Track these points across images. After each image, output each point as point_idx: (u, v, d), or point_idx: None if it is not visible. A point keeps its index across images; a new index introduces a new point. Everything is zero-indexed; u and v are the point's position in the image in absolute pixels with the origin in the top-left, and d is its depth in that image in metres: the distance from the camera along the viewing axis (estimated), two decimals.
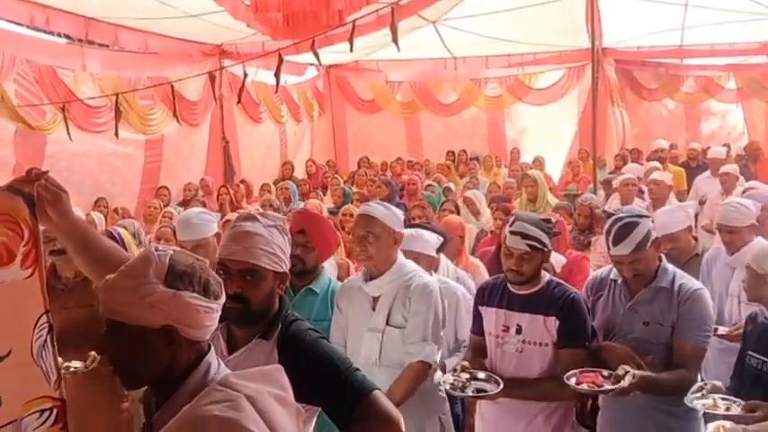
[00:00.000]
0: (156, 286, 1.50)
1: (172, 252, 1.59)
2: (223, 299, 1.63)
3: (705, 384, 2.66)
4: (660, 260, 2.89)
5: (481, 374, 2.86)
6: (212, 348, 1.65)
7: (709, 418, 2.63)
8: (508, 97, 13.30)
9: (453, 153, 12.69)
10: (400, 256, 3.00)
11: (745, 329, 2.84)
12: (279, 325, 2.02)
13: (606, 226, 2.92)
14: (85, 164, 7.86)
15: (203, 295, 1.56)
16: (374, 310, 2.95)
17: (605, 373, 2.67)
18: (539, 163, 10.91)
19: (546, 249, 2.87)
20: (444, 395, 3.08)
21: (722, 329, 3.42)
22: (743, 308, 3.63)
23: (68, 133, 5.69)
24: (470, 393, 2.77)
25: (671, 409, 2.78)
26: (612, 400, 2.83)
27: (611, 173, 10.44)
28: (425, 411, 2.92)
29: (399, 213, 3.05)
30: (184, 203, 8.28)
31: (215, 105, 9.55)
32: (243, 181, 9.49)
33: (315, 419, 2.06)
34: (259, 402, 1.15)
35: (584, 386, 2.63)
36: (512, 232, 2.86)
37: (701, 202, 7.51)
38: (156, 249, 1.58)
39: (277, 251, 2.03)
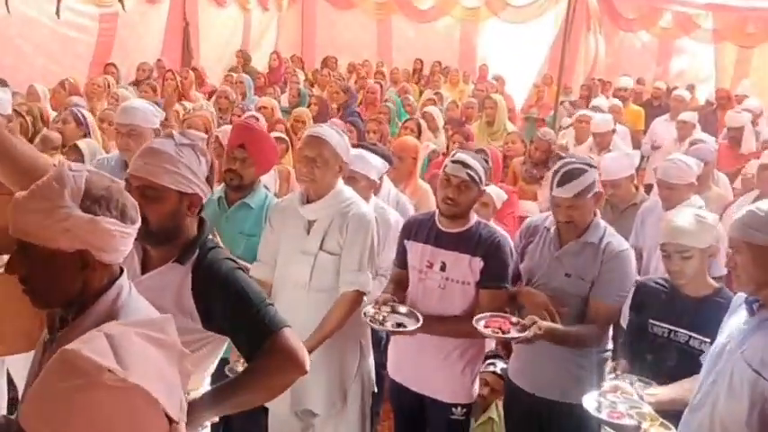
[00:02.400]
0: (73, 210, 1.47)
1: (87, 173, 1.54)
2: (138, 223, 1.60)
3: (617, 364, 2.73)
4: (594, 215, 2.92)
5: (402, 309, 2.88)
6: (125, 272, 1.65)
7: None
8: (485, 10, 12.99)
9: (421, 61, 12.43)
10: (339, 182, 2.97)
11: (637, 298, 2.85)
12: (196, 251, 1.97)
13: (554, 167, 2.95)
14: (38, 32, 7.46)
15: (120, 220, 1.54)
16: (308, 233, 2.93)
17: (513, 319, 2.73)
18: (500, 82, 10.77)
19: (481, 186, 2.89)
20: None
21: None
22: None
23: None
24: (389, 327, 2.80)
25: (580, 360, 2.87)
26: (525, 347, 2.91)
27: (573, 102, 10.41)
28: (346, 336, 2.95)
29: (348, 141, 2.99)
30: (136, 83, 7.98)
31: None
32: (194, 68, 9.10)
33: (218, 351, 2.07)
34: (116, 339, 1.14)
35: (490, 330, 2.70)
36: (453, 161, 2.89)
37: (654, 148, 7.60)
38: (70, 169, 1.52)
39: (183, 171, 1.93)
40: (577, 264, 2.85)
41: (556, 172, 2.86)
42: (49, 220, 1.45)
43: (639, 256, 3.83)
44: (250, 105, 7.19)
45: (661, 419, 2.17)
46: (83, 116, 4.66)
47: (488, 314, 2.77)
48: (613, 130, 6.32)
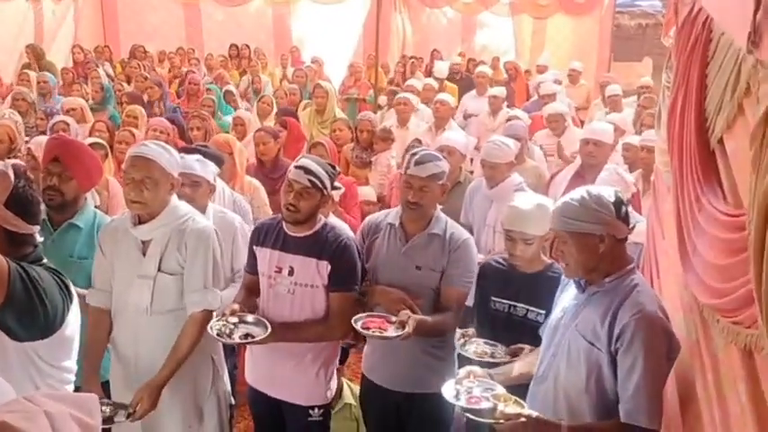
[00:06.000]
0: None
1: None
2: None
3: (466, 332, 2.89)
4: (435, 209, 3.03)
5: (250, 318, 2.84)
6: None
7: (463, 360, 2.89)
8: None
9: (237, 47, 12.12)
10: (173, 198, 2.83)
11: (481, 278, 3.05)
12: None
13: (411, 150, 3.11)
14: None
15: None
16: (144, 255, 2.78)
17: (392, 318, 2.81)
18: (318, 64, 10.80)
19: (325, 192, 2.86)
20: None
21: (479, 257, 3.71)
22: (497, 237, 4.00)
23: None
24: (237, 340, 2.74)
25: (434, 351, 3.00)
26: (382, 342, 2.99)
27: (390, 80, 10.73)
28: (197, 353, 2.84)
29: (177, 156, 2.86)
30: None
31: None
32: None
33: None
34: (58, 421, 1.11)
35: (374, 331, 2.77)
36: (296, 167, 2.85)
37: (466, 117, 8.07)
38: None
39: None
40: (426, 256, 2.96)
41: (413, 155, 2.97)
42: None
43: (470, 233, 4.06)
44: (56, 107, 6.61)
45: (514, 398, 2.32)
46: None
47: (365, 315, 2.83)
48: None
